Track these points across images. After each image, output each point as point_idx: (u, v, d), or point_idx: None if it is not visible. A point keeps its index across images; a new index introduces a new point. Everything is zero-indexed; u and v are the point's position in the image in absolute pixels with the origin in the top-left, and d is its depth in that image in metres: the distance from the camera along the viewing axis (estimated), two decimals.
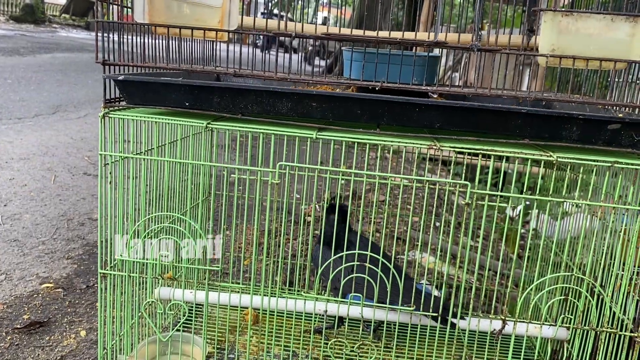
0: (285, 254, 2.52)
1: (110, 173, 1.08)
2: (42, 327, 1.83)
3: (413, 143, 1.05)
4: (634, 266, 1.18)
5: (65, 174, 3.47)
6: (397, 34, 1.32)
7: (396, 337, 1.35)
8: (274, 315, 1.40)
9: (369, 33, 1.30)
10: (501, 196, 1.14)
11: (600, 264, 1.24)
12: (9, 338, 1.75)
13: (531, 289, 1.18)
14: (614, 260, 1.18)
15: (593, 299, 1.17)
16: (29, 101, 5.26)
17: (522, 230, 3.00)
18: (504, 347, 1.53)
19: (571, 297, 1.26)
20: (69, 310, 1.97)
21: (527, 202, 2.65)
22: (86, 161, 3.78)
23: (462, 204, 1.07)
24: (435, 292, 2.00)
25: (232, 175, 1.11)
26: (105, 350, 1.29)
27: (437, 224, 2.99)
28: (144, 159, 1.11)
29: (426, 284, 2.04)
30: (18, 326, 1.81)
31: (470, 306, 1.25)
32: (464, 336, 1.60)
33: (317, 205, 3.14)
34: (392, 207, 3.11)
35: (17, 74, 6.50)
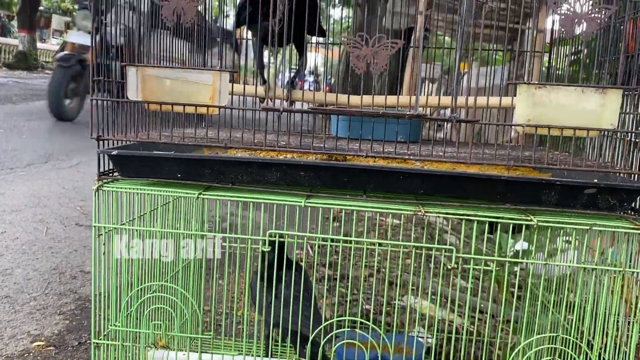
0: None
1: (104, 244, 1.11)
2: None
3: (398, 209, 1.09)
4: (624, 317, 1.21)
5: (57, 225, 3.47)
6: (380, 98, 1.38)
7: None
8: None
9: (353, 98, 1.34)
10: (488, 257, 1.17)
11: (588, 313, 1.26)
12: None
13: (518, 352, 1.19)
14: (601, 312, 1.21)
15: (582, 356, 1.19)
16: (21, 150, 5.29)
17: (515, 269, 3.02)
18: None
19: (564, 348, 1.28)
20: None
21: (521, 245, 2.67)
22: (78, 211, 3.79)
23: (449, 267, 1.10)
24: (429, 340, 2.01)
25: (223, 244, 1.13)
26: None
27: (431, 264, 3.01)
28: (136, 230, 1.14)
29: (419, 334, 2.05)
30: None
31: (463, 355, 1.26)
32: None
33: (310, 249, 3.16)
34: (384, 249, 3.12)
35: (9, 123, 6.55)
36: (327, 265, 2.79)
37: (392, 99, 1.33)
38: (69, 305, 2.46)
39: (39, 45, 17.71)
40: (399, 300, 2.55)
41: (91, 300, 1.21)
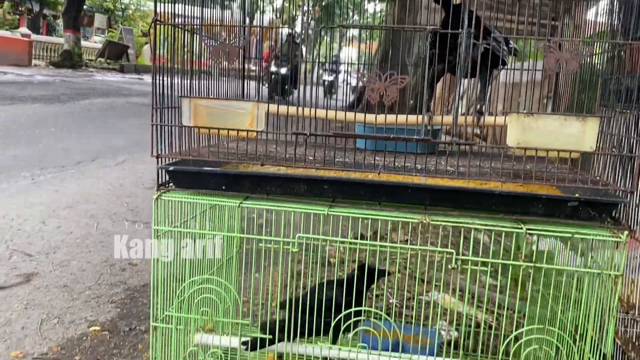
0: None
1: (161, 245, 1.34)
2: None
3: (407, 217, 1.28)
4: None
5: (106, 220, 3.77)
6: (401, 118, 1.56)
7: None
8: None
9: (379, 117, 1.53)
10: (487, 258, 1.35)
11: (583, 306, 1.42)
12: None
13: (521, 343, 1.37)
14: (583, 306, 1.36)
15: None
16: (71, 149, 5.65)
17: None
18: None
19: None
20: (114, 351, 2.21)
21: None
22: (125, 207, 4.08)
23: (449, 268, 1.28)
24: (455, 334, 2.16)
25: (259, 244, 1.35)
26: None
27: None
28: (187, 232, 1.37)
29: (441, 328, 2.21)
30: None
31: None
32: None
33: (341, 247, 3.35)
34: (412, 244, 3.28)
35: (59, 122, 6.95)
36: (356, 262, 2.97)
37: (412, 118, 1.51)
38: (120, 295, 2.73)
39: (83, 43, 18.39)
40: (424, 295, 2.73)
41: (150, 290, 1.43)
